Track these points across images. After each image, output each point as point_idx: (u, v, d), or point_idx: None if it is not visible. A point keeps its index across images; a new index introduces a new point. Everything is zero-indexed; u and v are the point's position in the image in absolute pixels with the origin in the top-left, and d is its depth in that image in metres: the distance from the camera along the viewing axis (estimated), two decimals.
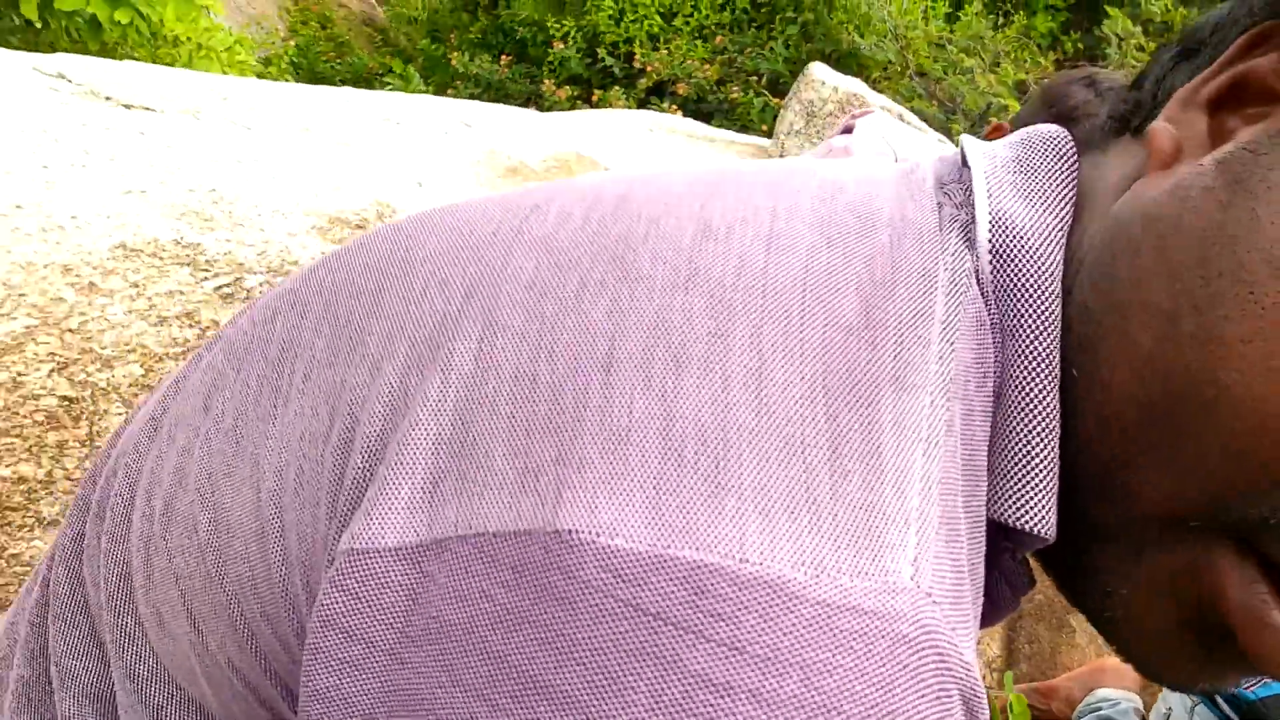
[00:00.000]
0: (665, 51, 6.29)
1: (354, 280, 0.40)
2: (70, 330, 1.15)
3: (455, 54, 7.01)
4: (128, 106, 1.72)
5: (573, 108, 6.49)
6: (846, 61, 5.73)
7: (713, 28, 6.44)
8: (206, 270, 1.34)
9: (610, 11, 6.43)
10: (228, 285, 1.35)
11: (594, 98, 6.51)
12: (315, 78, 7.47)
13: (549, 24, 6.73)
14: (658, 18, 6.41)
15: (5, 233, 1.18)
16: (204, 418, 0.42)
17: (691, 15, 6.42)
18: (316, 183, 1.68)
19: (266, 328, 0.43)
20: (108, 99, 1.71)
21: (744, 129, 5.83)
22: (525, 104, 7.03)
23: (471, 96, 7.14)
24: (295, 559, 0.36)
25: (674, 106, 6.03)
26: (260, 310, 0.45)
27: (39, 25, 3.41)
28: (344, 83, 7.87)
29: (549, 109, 6.56)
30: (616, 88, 6.15)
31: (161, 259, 1.30)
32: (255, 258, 1.41)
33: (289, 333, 0.41)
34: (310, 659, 0.31)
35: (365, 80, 8.04)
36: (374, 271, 0.39)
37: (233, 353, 0.43)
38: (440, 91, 7.19)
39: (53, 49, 3.61)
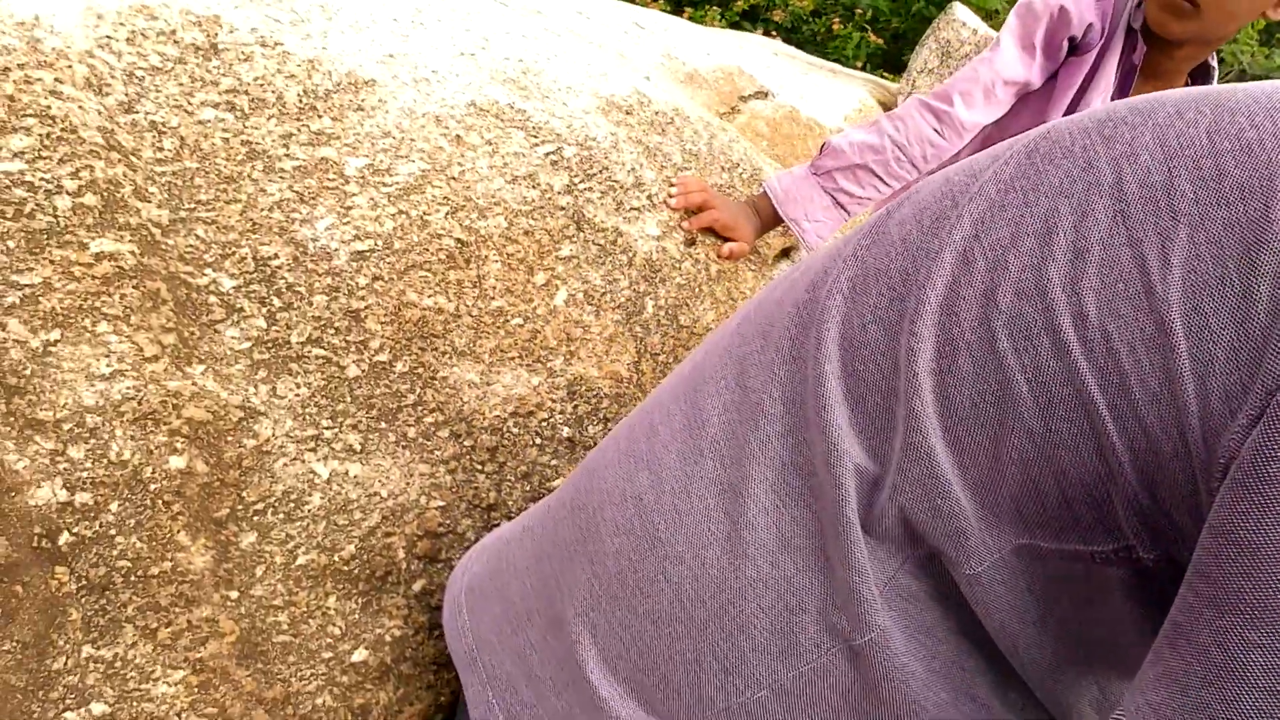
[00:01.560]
0: None
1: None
2: (454, 178, 1.22)
3: None
4: None
5: None
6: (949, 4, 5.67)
7: None
8: (535, 136, 1.40)
9: None
10: (553, 153, 1.41)
11: (685, 14, 6.44)
12: None
13: None
14: None
15: (388, 79, 1.24)
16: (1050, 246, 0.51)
17: None
18: (582, 66, 1.73)
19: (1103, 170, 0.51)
20: None
21: (841, 62, 5.80)
22: None
23: None
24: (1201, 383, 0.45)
25: (772, 32, 5.98)
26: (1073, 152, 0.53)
27: None
28: None
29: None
30: (713, 8, 6.07)
31: (503, 121, 1.36)
32: (565, 130, 1.47)
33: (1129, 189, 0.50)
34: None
35: None
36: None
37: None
38: None
39: None
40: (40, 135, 0.82)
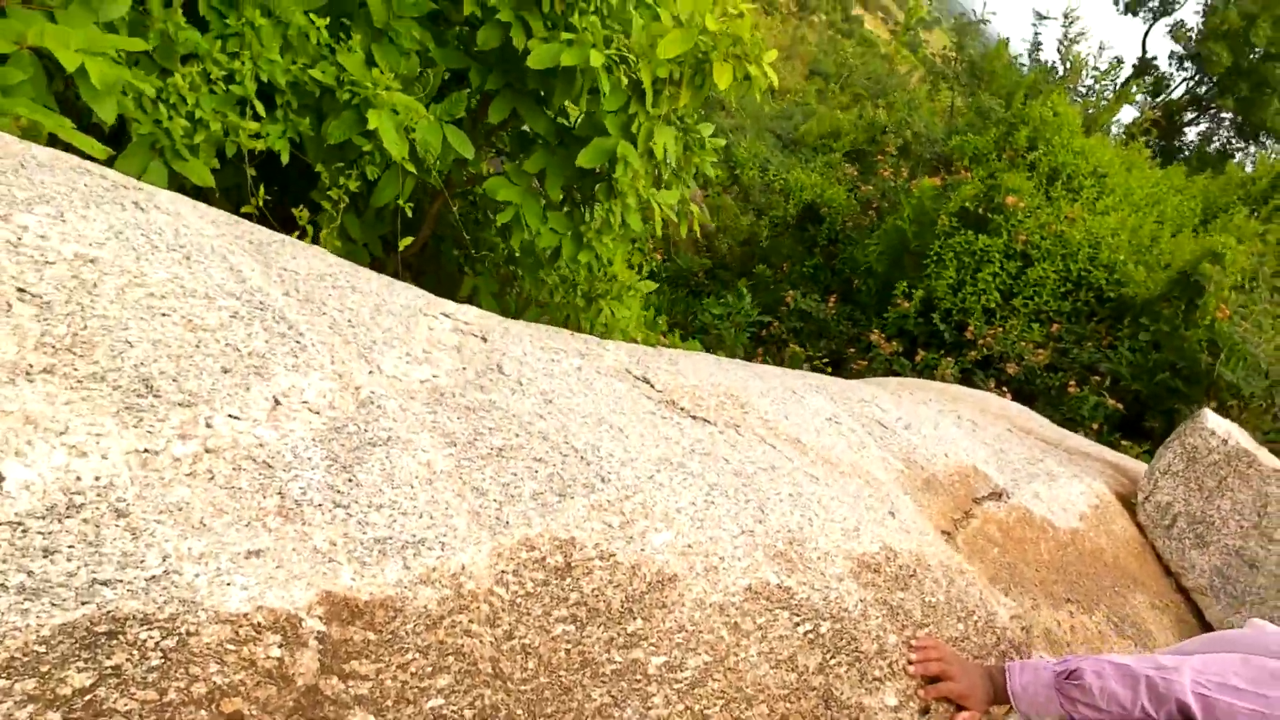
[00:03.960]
0: (1000, 329, 6.46)
1: None
2: (730, 669, 1.44)
3: (791, 292, 7.53)
4: (694, 417, 2.10)
5: (893, 361, 6.75)
6: (1197, 379, 5.65)
7: (1051, 313, 6.57)
8: (798, 615, 1.61)
9: (950, 280, 6.72)
10: (810, 631, 1.61)
11: (918, 357, 6.74)
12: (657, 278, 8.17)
13: (896, 284, 7.11)
14: (997, 294, 6.63)
15: (686, 571, 1.50)
16: None
17: (1032, 298, 6.59)
18: (838, 522, 1.96)
19: None
20: (681, 409, 2.10)
21: (1069, 421, 5.84)
22: (846, 345, 7.38)
23: (793, 329, 7.59)
24: None
25: (1000, 387, 6.14)
26: None
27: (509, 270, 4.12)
28: (668, 280, 8.59)
29: (872, 357, 6.86)
30: (946, 357, 6.35)
31: (772, 602, 1.59)
32: (822, 603, 1.68)
33: None
34: None
35: (692, 287, 8.73)
36: None
37: None
38: (771, 312, 7.72)
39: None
40: (455, 672, 1.11)
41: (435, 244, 4.90)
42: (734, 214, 10.06)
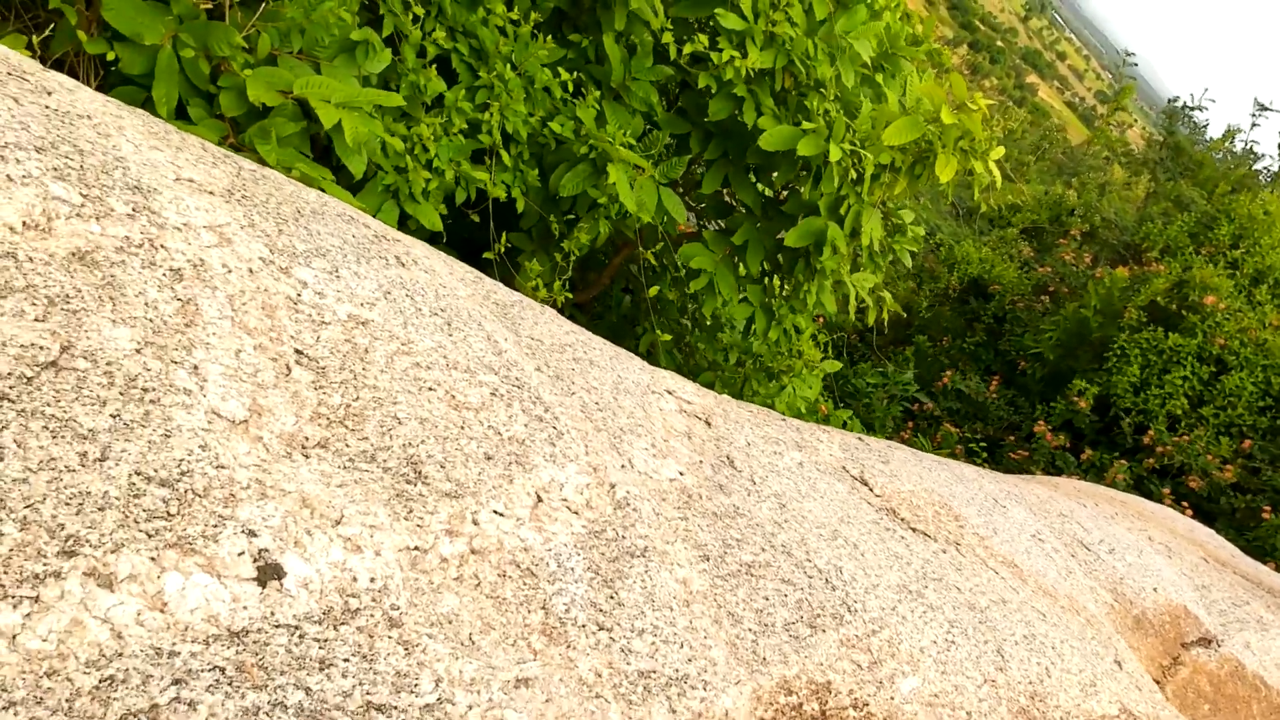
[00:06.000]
0: (1185, 437, 5.99)
1: None
2: None
3: (948, 372, 7.22)
4: (913, 529, 1.93)
5: (1057, 456, 6.35)
6: None
7: (1244, 428, 6.05)
8: None
9: (1133, 379, 6.29)
10: None
11: (1083, 455, 6.33)
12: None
13: (1066, 372, 6.72)
14: (1184, 400, 6.17)
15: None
16: None
17: (1224, 408, 6.09)
18: (1075, 674, 1.75)
19: None
20: (902, 519, 1.94)
21: (1254, 550, 5.33)
22: (1005, 431, 7.00)
23: (949, 409, 7.25)
24: None
25: (1179, 501, 5.68)
26: None
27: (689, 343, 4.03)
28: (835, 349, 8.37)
29: (1035, 448, 6.47)
30: (1120, 460, 5.92)
31: None
32: None
33: None
34: None
35: (840, 346, 8.48)
36: None
37: None
38: (925, 387, 7.41)
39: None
40: None
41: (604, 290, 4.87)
42: (890, 277, 9.76)
